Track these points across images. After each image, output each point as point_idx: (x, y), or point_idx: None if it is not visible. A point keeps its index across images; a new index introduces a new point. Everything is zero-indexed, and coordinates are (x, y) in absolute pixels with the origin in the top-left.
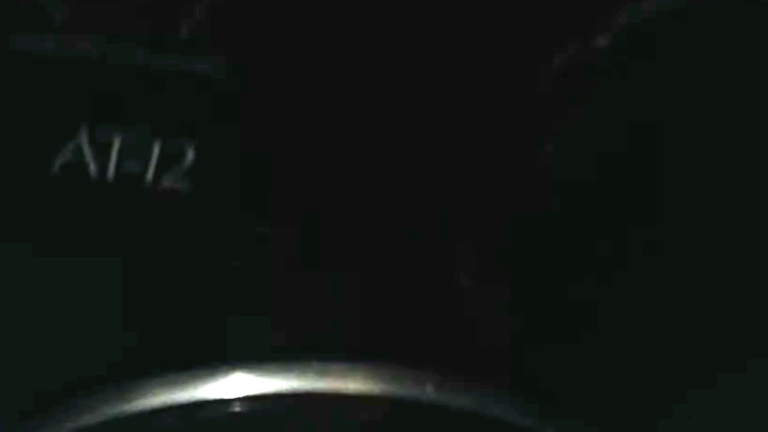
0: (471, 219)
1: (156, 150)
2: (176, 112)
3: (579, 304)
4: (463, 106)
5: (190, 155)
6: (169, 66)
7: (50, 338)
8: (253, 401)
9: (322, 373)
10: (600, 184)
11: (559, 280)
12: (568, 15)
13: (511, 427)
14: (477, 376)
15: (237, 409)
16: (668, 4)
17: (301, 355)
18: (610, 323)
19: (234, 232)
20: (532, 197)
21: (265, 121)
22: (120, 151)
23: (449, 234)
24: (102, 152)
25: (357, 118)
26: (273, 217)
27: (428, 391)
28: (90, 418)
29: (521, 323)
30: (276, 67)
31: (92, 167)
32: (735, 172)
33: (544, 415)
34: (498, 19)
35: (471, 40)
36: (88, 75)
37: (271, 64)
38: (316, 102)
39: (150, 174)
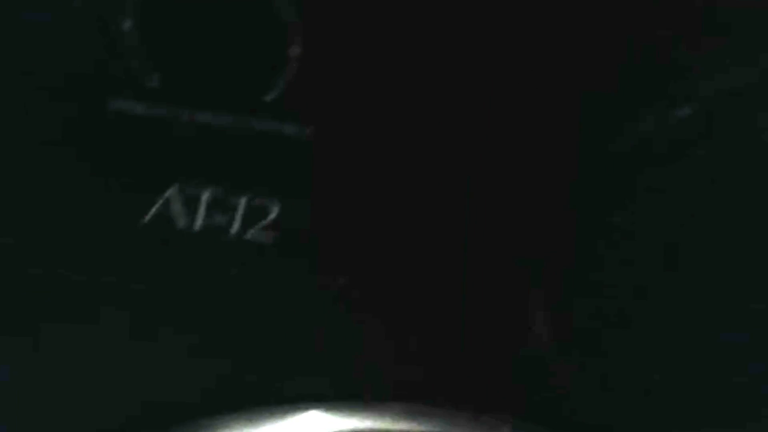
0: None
1: (242, 205)
2: (263, 170)
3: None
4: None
5: (275, 210)
6: (256, 127)
7: (136, 375)
8: None
9: (400, 415)
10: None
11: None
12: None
13: None
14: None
15: None
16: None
17: (377, 396)
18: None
19: (313, 283)
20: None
21: (344, 179)
22: (208, 205)
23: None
24: (190, 206)
25: (433, 181)
26: (347, 269)
27: None
28: None
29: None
30: (358, 129)
31: (180, 220)
32: None
33: None
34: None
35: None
36: (178, 135)
37: (354, 127)
38: (393, 161)
39: (235, 227)
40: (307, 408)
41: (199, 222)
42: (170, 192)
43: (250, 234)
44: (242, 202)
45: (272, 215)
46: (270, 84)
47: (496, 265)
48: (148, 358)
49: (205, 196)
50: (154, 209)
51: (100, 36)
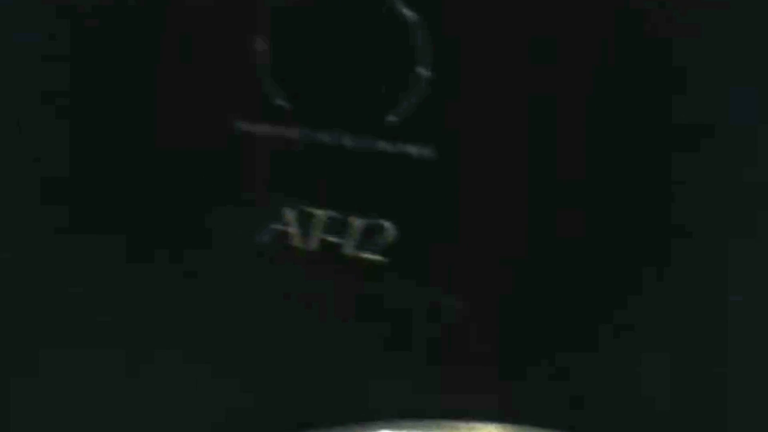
0: None
1: (358, 225)
2: (382, 190)
3: None
4: None
5: (390, 232)
6: (378, 149)
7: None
8: None
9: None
10: None
11: None
12: None
13: None
14: None
15: None
16: None
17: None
18: None
19: (421, 303)
20: None
21: (462, 200)
22: (324, 225)
23: None
24: (307, 225)
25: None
26: (456, 291)
27: None
28: None
29: None
30: (479, 151)
31: (296, 238)
32: None
33: None
34: None
35: None
36: (301, 155)
37: (476, 149)
38: (510, 179)
39: (350, 246)
40: (380, 427)
41: (314, 240)
42: (287, 210)
43: (365, 253)
44: (358, 222)
45: (388, 235)
46: (396, 105)
47: None
48: (267, 371)
49: (322, 215)
50: (270, 226)
51: (231, 55)
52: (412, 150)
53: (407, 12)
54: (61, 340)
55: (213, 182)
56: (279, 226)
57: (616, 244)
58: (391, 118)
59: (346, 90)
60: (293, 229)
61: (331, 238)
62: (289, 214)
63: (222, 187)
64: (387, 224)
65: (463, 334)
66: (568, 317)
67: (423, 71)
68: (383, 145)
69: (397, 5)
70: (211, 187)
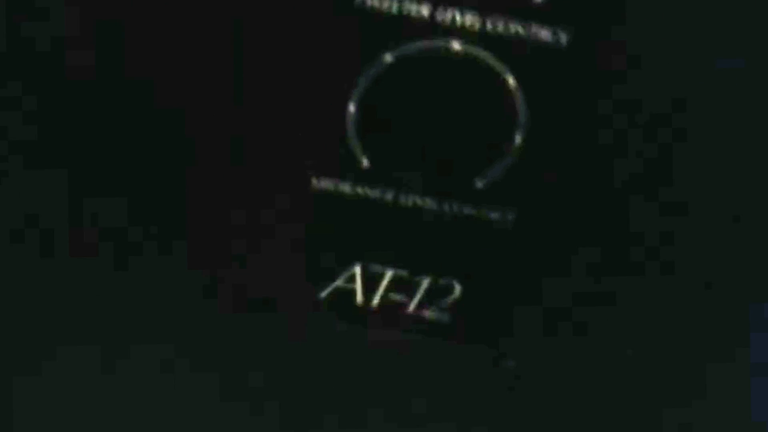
0: None
1: (425, 284)
2: (454, 252)
3: None
4: None
5: (457, 292)
6: (458, 212)
7: None
8: None
9: None
10: None
11: None
12: None
13: None
14: None
15: None
16: None
17: None
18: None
19: (483, 363)
20: None
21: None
22: (389, 283)
23: None
24: (372, 282)
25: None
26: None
27: None
28: None
29: None
30: (558, 219)
31: (359, 295)
32: None
33: None
34: None
35: None
36: (377, 214)
37: (555, 216)
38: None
39: (413, 305)
40: None
41: (377, 299)
42: (354, 268)
43: (429, 312)
44: (425, 281)
45: (454, 296)
46: (483, 171)
47: None
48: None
49: (389, 274)
50: (335, 283)
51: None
52: (494, 215)
53: (509, 78)
54: None
55: (286, 235)
56: (344, 282)
57: None
58: (478, 184)
59: (435, 153)
60: (358, 286)
61: (397, 296)
62: (356, 271)
63: (293, 239)
64: (455, 285)
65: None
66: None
67: (518, 139)
68: (465, 209)
69: (500, 75)
70: (284, 239)
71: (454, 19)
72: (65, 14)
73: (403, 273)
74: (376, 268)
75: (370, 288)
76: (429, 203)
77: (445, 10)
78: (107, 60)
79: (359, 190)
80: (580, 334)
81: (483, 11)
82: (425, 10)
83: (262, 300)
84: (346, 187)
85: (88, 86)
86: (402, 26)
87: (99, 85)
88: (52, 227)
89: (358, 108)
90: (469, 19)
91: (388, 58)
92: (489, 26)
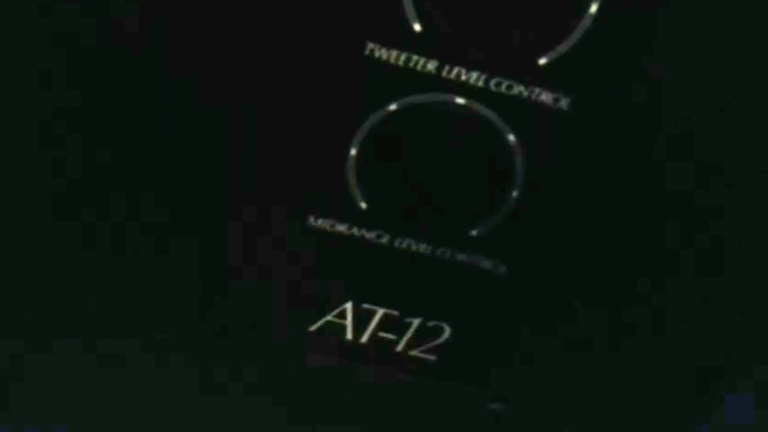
0: None
1: (414, 325)
2: (445, 296)
3: None
4: None
5: (446, 335)
6: (451, 259)
7: None
8: None
9: None
10: None
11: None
12: None
13: None
14: None
15: None
16: None
17: None
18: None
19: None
20: None
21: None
22: (380, 321)
23: None
24: (363, 319)
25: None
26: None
27: None
28: None
29: None
30: (549, 269)
31: (349, 331)
32: None
33: None
34: None
35: None
36: (372, 255)
37: (545, 267)
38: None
39: (402, 344)
40: None
41: (366, 335)
42: (346, 305)
43: (417, 352)
44: (415, 322)
45: (443, 338)
46: (478, 222)
47: None
48: None
49: (380, 313)
50: (326, 317)
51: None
52: (486, 264)
53: (510, 135)
54: None
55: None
56: (335, 318)
57: None
58: (473, 233)
59: (432, 200)
60: (348, 322)
61: (386, 335)
62: (348, 308)
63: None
64: (444, 327)
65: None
66: None
67: (514, 194)
68: (459, 256)
69: (500, 132)
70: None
71: (459, 75)
72: None
73: (394, 313)
74: (368, 306)
75: (360, 325)
76: (423, 248)
77: (452, 67)
78: None
79: (355, 231)
80: (564, 381)
81: (488, 70)
82: (432, 65)
83: (250, 327)
84: (342, 228)
85: None
86: (408, 78)
87: None
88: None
89: (360, 152)
90: (474, 77)
91: (393, 107)
92: (493, 85)
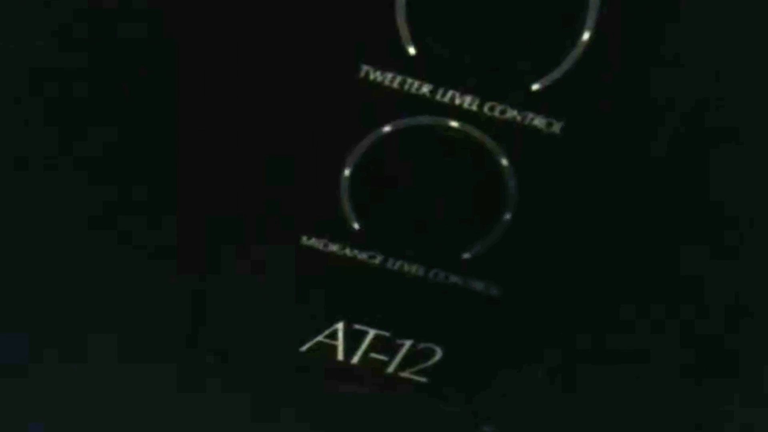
0: None
1: (406, 347)
2: (437, 319)
3: None
4: None
5: (437, 356)
6: (444, 281)
7: None
8: None
9: None
10: None
11: None
12: None
13: None
14: None
15: None
16: None
17: None
18: None
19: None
20: None
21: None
22: (371, 343)
23: None
24: (354, 340)
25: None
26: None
27: None
28: None
29: None
30: (542, 292)
31: (340, 351)
32: None
33: None
34: None
35: None
36: (364, 276)
37: (538, 291)
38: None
39: (393, 366)
40: None
41: (357, 356)
42: (337, 325)
43: (407, 373)
44: (407, 344)
45: (434, 359)
46: (471, 244)
47: None
48: None
49: (371, 334)
50: (317, 338)
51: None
52: (478, 286)
53: (502, 159)
54: None
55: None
56: (326, 339)
57: None
58: (465, 255)
59: (425, 222)
60: (340, 342)
61: (378, 356)
62: (339, 328)
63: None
64: (435, 349)
65: None
66: None
67: (507, 216)
68: (451, 278)
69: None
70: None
71: (453, 99)
72: None
73: (386, 334)
74: (359, 326)
75: (351, 345)
76: (416, 269)
77: (446, 90)
78: None
79: (348, 251)
80: (554, 405)
81: (482, 95)
82: (426, 89)
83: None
84: (335, 248)
85: None
86: (402, 101)
87: None
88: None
89: (353, 173)
90: (468, 101)
91: (387, 129)
92: (486, 109)
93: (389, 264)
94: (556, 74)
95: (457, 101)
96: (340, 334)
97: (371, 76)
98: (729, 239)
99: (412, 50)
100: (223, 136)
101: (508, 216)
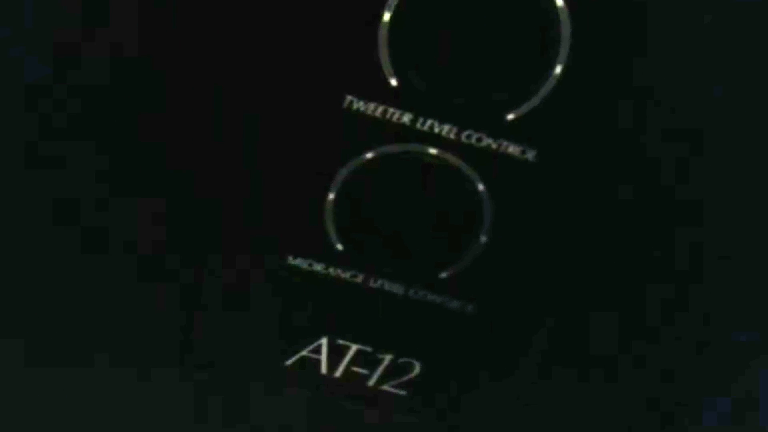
0: None
1: (386, 361)
2: (416, 335)
3: None
4: None
5: (416, 370)
6: (422, 299)
7: None
8: None
9: None
10: None
11: None
12: None
13: None
14: None
15: None
16: None
17: None
18: None
19: None
20: None
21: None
22: (353, 357)
23: None
24: (337, 354)
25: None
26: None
27: None
28: None
29: None
30: (510, 310)
31: (324, 365)
32: None
33: None
34: None
35: None
36: (347, 294)
37: (513, 308)
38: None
39: (374, 379)
40: None
41: (340, 370)
42: (321, 341)
43: (387, 386)
44: (387, 358)
45: (413, 373)
46: (448, 264)
47: None
48: None
49: (353, 349)
50: (302, 352)
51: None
52: (455, 304)
53: (479, 185)
54: None
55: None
56: (310, 353)
57: None
58: (443, 275)
59: (405, 243)
60: (323, 356)
61: (359, 370)
62: (323, 343)
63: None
64: (414, 364)
65: None
66: None
67: (482, 239)
68: (429, 297)
69: (471, 181)
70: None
71: (432, 127)
72: None
73: (367, 349)
74: (342, 342)
75: (334, 360)
76: (396, 288)
77: (426, 119)
78: None
79: (332, 270)
80: (528, 418)
81: (460, 124)
82: (407, 118)
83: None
84: (319, 267)
85: None
86: (384, 129)
87: None
88: None
89: (337, 197)
90: (447, 130)
91: (369, 155)
92: (464, 137)
93: (371, 283)
94: (530, 105)
95: (436, 130)
96: (324, 349)
97: (355, 106)
98: (695, 268)
99: (393, 81)
100: (214, 160)
101: (483, 239)
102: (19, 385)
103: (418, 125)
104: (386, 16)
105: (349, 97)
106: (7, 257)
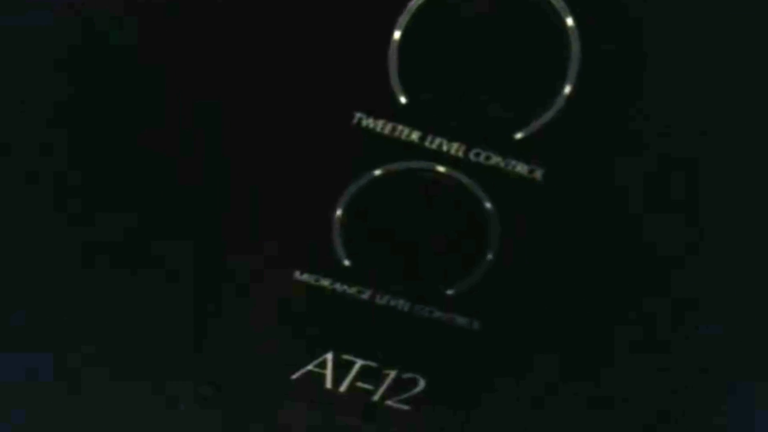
0: None
1: (391, 377)
2: (421, 351)
3: None
4: None
5: (421, 386)
6: (428, 316)
7: None
8: None
9: None
10: None
11: None
12: None
13: None
14: None
15: None
16: None
17: None
18: None
19: None
20: None
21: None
22: (358, 372)
23: None
24: (342, 369)
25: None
26: None
27: None
28: None
29: None
30: (516, 328)
31: (329, 380)
32: None
33: None
34: None
35: None
36: (353, 309)
37: (514, 326)
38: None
39: (379, 394)
40: None
41: (345, 385)
42: (326, 355)
43: (392, 401)
44: (392, 374)
45: (417, 389)
46: (455, 282)
47: None
48: None
49: (358, 364)
50: (307, 367)
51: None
52: (461, 321)
53: (486, 203)
54: None
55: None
56: (315, 367)
57: None
58: (449, 292)
59: (412, 260)
60: (328, 371)
61: (364, 385)
62: (328, 358)
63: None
64: (419, 379)
65: None
66: None
67: (489, 256)
68: (435, 313)
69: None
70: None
71: (441, 145)
72: None
73: (372, 364)
74: (347, 357)
75: (339, 374)
76: (402, 304)
77: (434, 137)
78: None
79: (338, 286)
80: None
81: (468, 142)
82: (416, 135)
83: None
84: (326, 282)
85: None
86: (393, 146)
87: None
88: None
89: (345, 213)
90: (455, 148)
91: (378, 172)
92: (472, 156)
93: (377, 299)
94: (538, 124)
95: (445, 148)
96: (329, 364)
97: (364, 123)
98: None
99: (403, 99)
100: (222, 174)
101: (490, 256)
102: (33, 400)
103: (427, 143)
104: (396, 35)
105: (358, 114)
106: (10, 265)
